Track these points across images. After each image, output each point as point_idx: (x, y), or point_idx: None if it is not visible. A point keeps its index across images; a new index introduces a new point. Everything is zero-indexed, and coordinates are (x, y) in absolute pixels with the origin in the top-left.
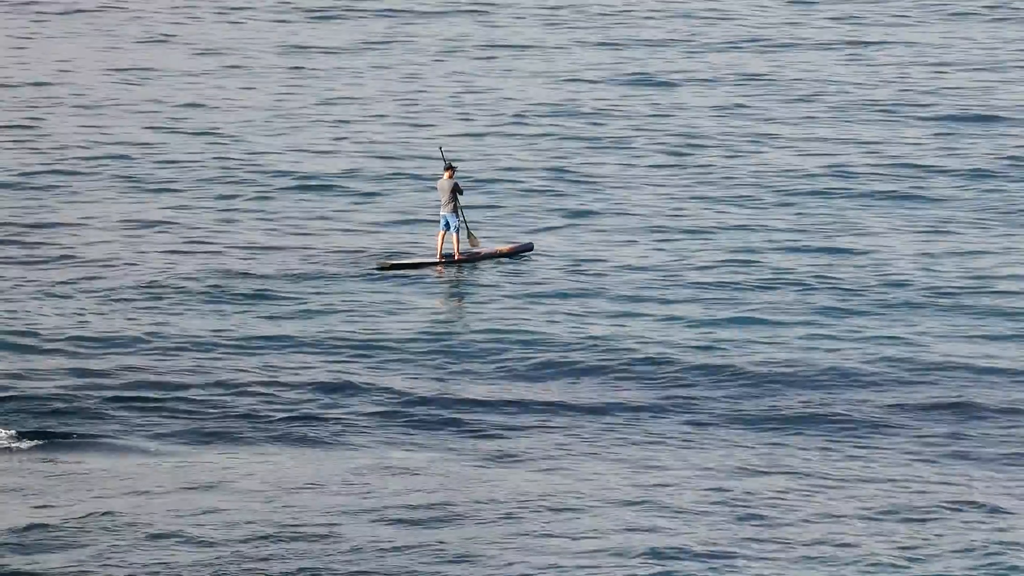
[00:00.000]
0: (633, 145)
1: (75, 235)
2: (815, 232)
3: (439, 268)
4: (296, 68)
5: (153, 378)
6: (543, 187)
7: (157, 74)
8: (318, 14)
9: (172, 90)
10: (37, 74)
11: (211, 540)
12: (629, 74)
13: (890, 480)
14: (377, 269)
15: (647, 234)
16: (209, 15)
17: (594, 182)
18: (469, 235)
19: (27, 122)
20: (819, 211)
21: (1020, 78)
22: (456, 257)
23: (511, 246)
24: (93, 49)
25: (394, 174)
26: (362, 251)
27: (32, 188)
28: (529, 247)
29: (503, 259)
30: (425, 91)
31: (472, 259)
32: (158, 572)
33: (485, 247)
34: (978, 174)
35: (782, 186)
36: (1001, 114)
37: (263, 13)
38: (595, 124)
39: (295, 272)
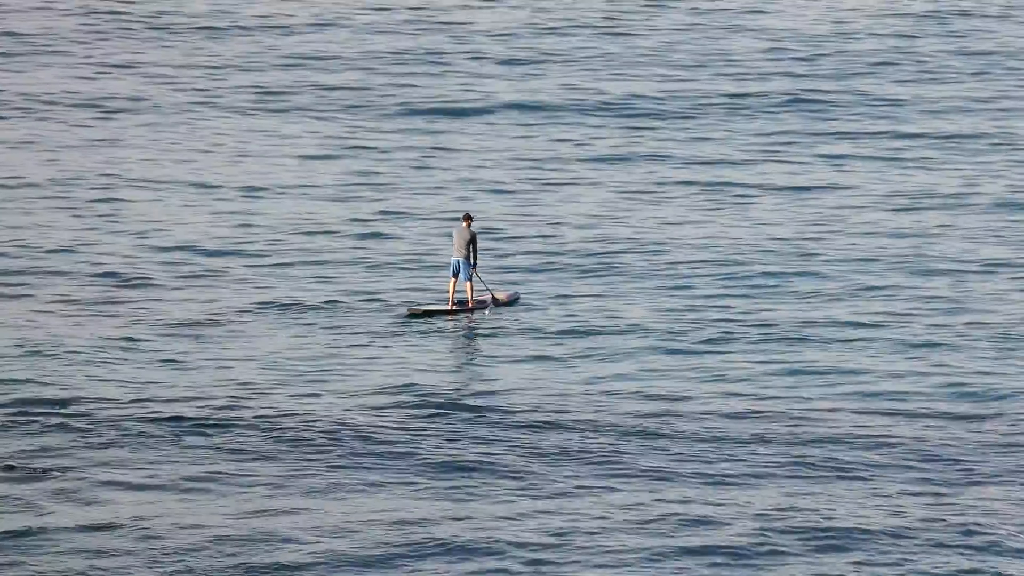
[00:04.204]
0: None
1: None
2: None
3: (453, 314)
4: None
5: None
6: (526, 235)
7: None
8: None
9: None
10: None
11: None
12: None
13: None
14: (408, 316)
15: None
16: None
17: (578, 228)
18: (489, 291)
19: None
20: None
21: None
22: (469, 304)
23: (506, 294)
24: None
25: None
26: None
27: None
28: (516, 297)
29: (504, 306)
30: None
31: (480, 307)
32: None
33: (488, 294)
34: None
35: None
36: None
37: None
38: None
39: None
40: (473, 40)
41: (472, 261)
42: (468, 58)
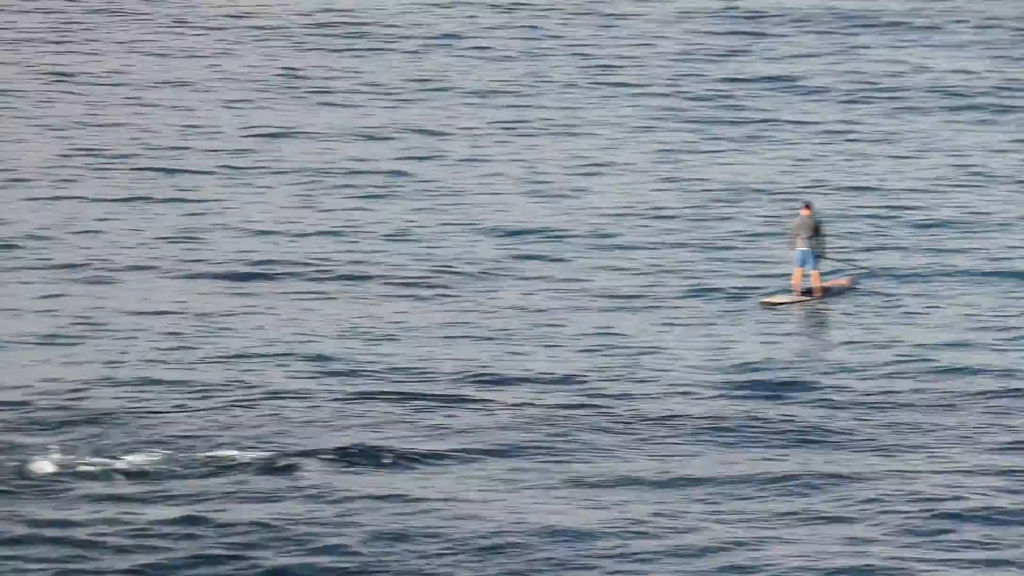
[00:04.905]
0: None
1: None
2: None
3: (802, 303)
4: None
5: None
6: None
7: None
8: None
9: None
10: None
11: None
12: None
13: None
14: (762, 306)
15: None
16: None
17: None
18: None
19: None
20: None
21: None
22: (816, 294)
23: (847, 279)
24: None
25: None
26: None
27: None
28: (856, 281)
29: (846, 290)
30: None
31: (828, 293)
32: None
33: (834, 280)
34: None
35: None
36: None
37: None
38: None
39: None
40: (791, 15)
41: (819, 249)
42: (789, 30)
